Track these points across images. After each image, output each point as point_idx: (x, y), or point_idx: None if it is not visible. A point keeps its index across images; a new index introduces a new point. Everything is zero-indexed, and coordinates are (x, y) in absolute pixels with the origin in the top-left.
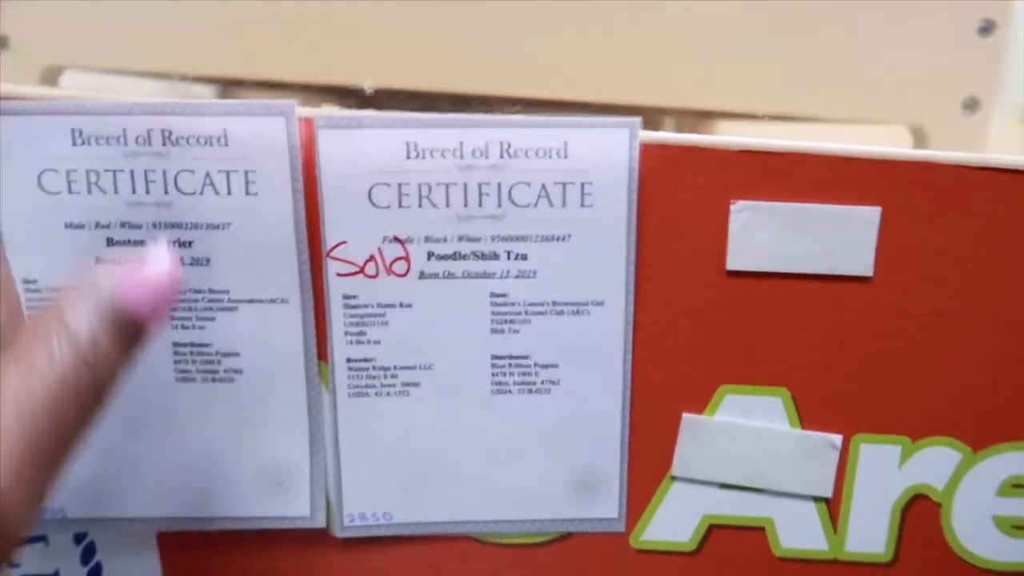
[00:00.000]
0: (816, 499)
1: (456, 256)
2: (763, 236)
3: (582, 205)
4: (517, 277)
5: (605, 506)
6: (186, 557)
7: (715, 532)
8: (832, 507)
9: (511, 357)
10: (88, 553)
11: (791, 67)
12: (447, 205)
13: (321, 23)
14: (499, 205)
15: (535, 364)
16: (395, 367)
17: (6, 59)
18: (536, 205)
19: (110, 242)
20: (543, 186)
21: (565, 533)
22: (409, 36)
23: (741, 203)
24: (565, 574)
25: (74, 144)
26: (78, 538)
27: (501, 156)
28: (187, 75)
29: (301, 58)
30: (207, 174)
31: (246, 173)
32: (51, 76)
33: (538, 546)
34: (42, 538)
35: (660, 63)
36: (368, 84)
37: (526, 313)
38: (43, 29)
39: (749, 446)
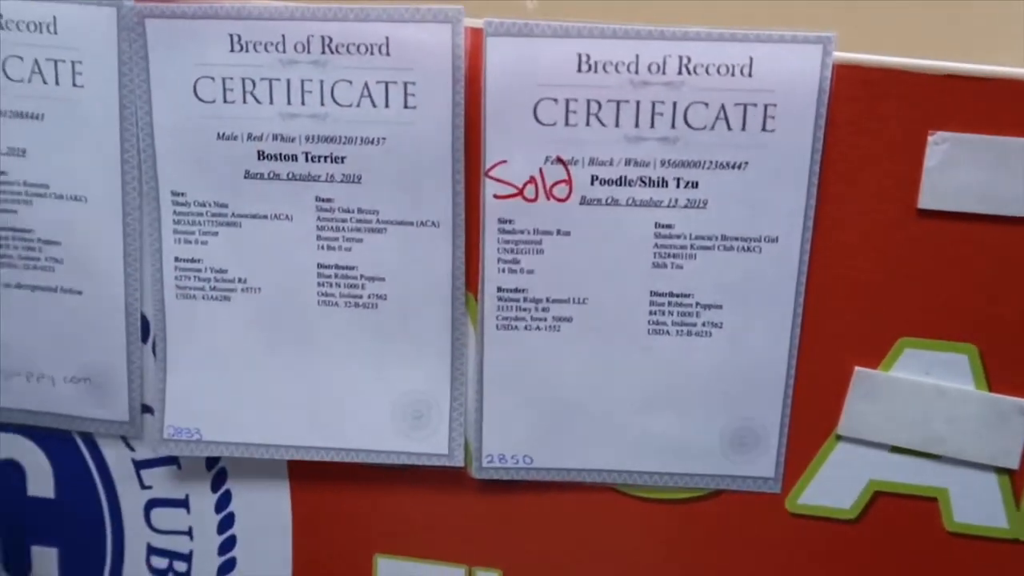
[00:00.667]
0: (999, 471)
1: (622, 182)
2: (963, 172)
3: (763, 129)
4: (686, 207)
5: (761, 463)
6: (316, 487)
7: (881, 500)
8: (1016, 481)
9: (672, 295)
10: (219, 479)
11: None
12: (616, 125)
13: None
14: (672, 126)
15: (697, 304)
16: (548, 299)
17: None
18: (713, 128)
19: (260, 155)
20: (722, 107)
21: (715, 490)
22: None
23: (941, 134)
24: (711, 534)
25: (232, 50)
26: (210, 463)
27: (679, 72)
28: None
29: None
30: (365, 85)
31: (405, 85)
32: None
33: (683, 502)
34: (174, 461)
35: None
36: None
37: (692, 247)
38: None
39: (927, 407)
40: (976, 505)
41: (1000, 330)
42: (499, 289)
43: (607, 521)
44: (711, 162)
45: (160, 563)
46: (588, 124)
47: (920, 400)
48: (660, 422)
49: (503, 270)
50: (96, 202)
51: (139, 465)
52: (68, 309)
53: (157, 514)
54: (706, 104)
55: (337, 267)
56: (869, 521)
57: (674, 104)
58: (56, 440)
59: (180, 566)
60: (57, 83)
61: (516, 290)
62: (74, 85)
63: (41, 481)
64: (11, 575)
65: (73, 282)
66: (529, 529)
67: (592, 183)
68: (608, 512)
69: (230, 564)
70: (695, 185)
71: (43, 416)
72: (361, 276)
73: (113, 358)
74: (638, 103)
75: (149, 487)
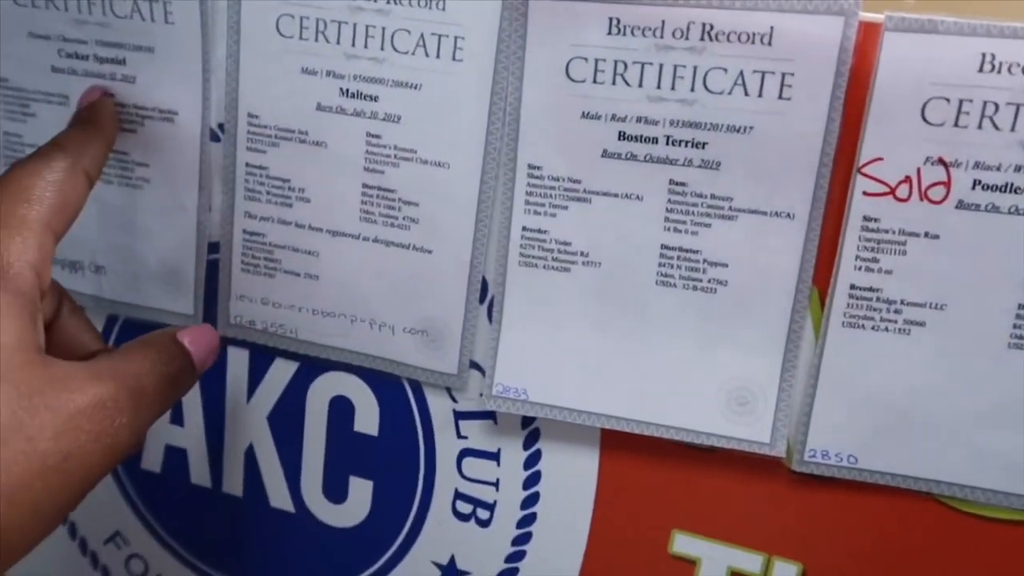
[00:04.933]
0: None
1: (1007, 188)
2: None
3: None
4: None
5: None
6: (626, 459)
7: None
8: None
9: None
10: (532, 438)
11: None
12: (1012, 129)
13: None
14: None
15: None
16: (902, 302)
17: None
18: None
19: (621, 136)
20: None
21: None
22: None
23: None
24: None
25: (609, 33)
26: (525, 422)
27: None
28: None
29: None
30: (740, 73)
31: (783, 75)
32: None
33: (1010, 524)
34: (491, 416)
35: None
36: None
37: None
38: None
39: None
40: None
41: None
42: (852, 286)
43: (926, 533)
44: None
45: (465, 508)
46: (980, 127)
47: None
48: (1007, 439)
49: (860, 268)
50: (457, 169)
51: (459, 416)
52: (416, 266)
53: (468, 463)
54: None
55: (681, 249)
56: None
57: None
58: (386, 384)
59: (483, 514)
60: (438, 56)
61: (870, 289)
62: (453, 59)
63: (367, 419)
64: (329, 500)
65: (425, 241)
66: (839, 528)
67: (974, 187)
68: (929, 524)
69: (531, 518)
70: None
71: (379, 360)
72: (704, 260)
73: (450, 315)
74: None
75: (465, 437)
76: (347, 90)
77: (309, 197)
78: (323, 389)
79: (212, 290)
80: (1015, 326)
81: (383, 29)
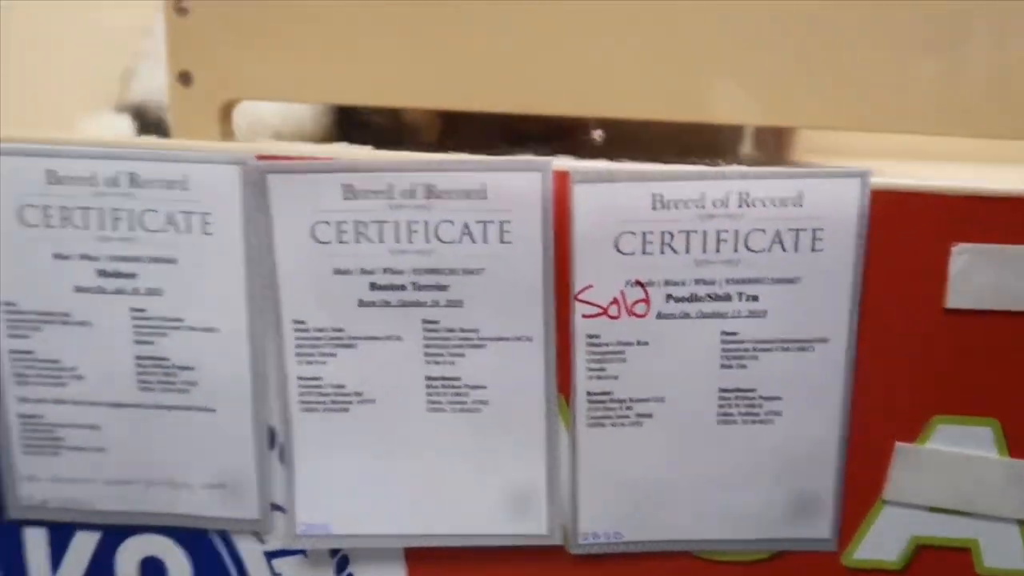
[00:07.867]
0: (1020, 522)
1: (692, 298)
2: (982, 277)
3: (812, 250)
4: (748, 317)
5: (819, 527)
6: (431, 570)
7: (922, 552)
8: None
9: (738, 390)
10: (342, 565)
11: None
12: (687, 251)
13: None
14: (735, 250)
15: (760, 396)
16: (630, 399)
17: (190, 94)
18: (769, 250)
19: (373, 286)
20: (777, 232)
21: (779, 552)
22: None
23: (962, 246)
24: None
25: (344, 198)
26: (333, 551)
27: (740, 206)
28: (361, 105)
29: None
30: (465, 224)
31: (501, 224)
32: (229, 110)
33: (753, 564)
34: (300, 551)
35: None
36: (598, 134)
37: (754, 350)
38: (223, 65)
39: (959, 473)
40: (1003, 552)
41: (1019, 405)
42: (588, 393)
43: None
44: (769, 278)
45: None
46: (663, 252)
47: (952, 467)
48: (730, 497)
49: (591, 376)
50: (226, 332)
51: (270, 556)
52: (203, 425)
53: None
54: (763, 231)
55: (443, 378)
56: (914, 569)
57: (736, 232)
58: (193, 537)
59: None
60: (189, 231)
61: (603, 393)
62: (204, 233)
63: (181, 574)
64: None
65: (207, 401)
66: None
67: (667, 300)
68: (687, 575)
69: None
70: (755, 298)
71: (183, 518)
72: (465, 385)
73: (244, 465)
74: (705, 232)
75: (279, 574)
76: (103, 270)
77: (82, 375)
78: (130, 554)
79: None
80: (720, 406)
81: (131, 211)
